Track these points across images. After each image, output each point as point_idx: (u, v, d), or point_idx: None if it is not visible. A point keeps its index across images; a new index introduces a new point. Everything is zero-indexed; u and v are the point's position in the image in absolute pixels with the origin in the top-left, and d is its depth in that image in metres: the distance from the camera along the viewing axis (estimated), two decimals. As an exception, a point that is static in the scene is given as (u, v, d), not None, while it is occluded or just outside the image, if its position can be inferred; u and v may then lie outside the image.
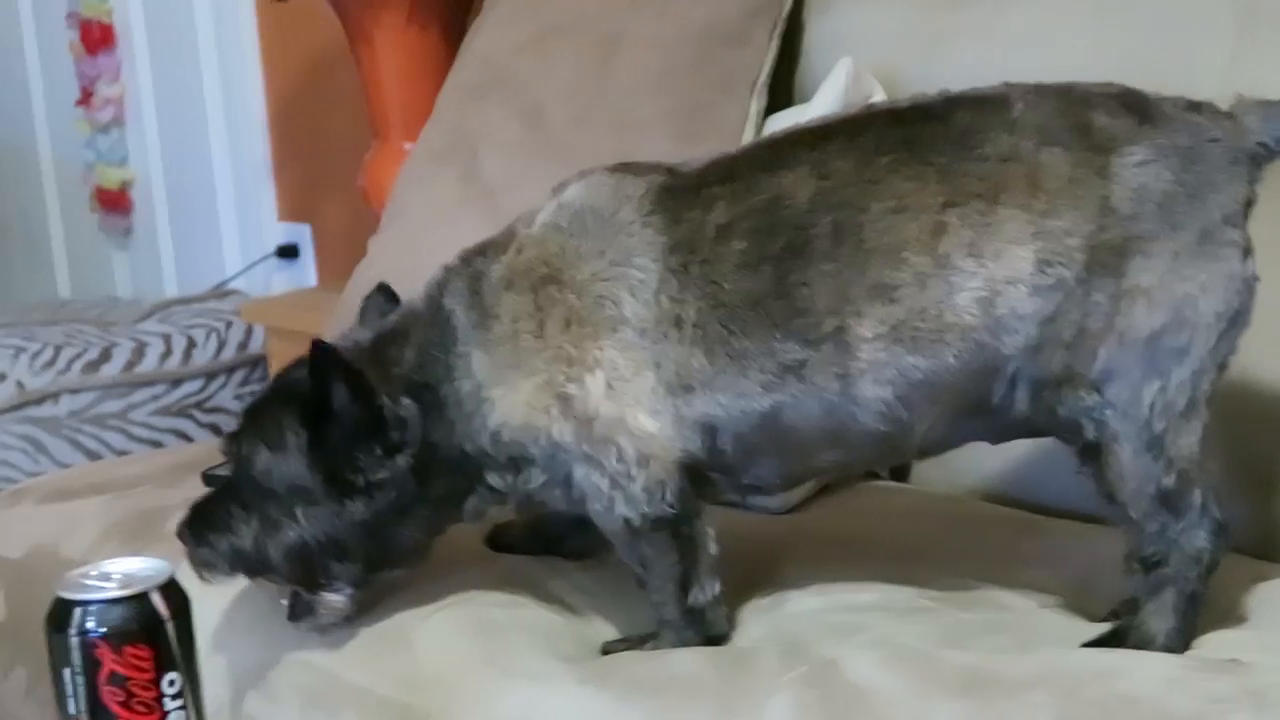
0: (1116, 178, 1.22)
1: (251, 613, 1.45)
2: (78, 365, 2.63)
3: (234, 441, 1.34)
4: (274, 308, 2.74)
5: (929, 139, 1.25)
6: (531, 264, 1.30)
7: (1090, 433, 1.24)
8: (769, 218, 1.25)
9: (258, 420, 1.33)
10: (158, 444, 2.63)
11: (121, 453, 2.58)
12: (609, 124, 1.83)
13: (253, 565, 1.33)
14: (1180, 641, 1.25)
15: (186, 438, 2.65)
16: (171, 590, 1.10)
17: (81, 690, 1.07)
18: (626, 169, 1.33)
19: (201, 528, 1.34)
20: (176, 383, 2.69)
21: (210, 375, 2.73)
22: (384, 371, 1.31)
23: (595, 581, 1.43)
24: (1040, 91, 1.27)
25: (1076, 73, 1.63)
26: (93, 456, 2.56)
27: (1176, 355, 1.22)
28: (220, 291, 3.01)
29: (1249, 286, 1.24)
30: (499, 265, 1.32)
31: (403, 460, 1.30)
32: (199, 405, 2.70)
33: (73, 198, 3.52)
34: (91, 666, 1.06)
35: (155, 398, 2.66)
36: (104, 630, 1.06)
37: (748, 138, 1.82)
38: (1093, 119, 1.25)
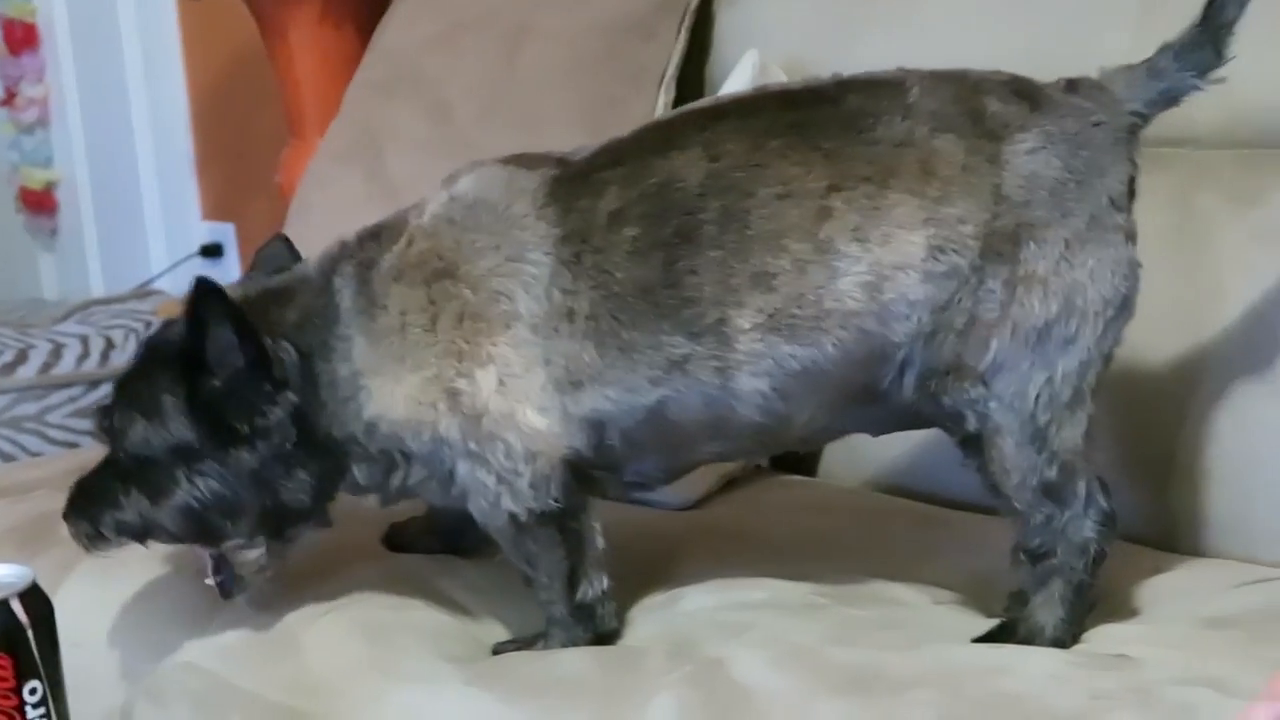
0: (1007, 165, 1.21)
1: (142, 618, 1.44)
2: (-7, 367, 2.60)
3: (106, 415, 1.31)
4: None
5: (819, 122, 1.23)
6: (424, 257, 1.28)
7: (972, 424, 1.23)
8: (660, 202, 1.23)
9: (129, 390, 1.30)
10: (75, 446, 2.59)
11: (38, 455, 2.55)
12: (516, 119, 1.82)
13: (140, 532, 1.31)
14: (1068, 632, 1.25)
15: (105, 440, 2.61)
16: (33, 597, 1.08)
17: (-61, 699, 1.05)
18: (519, 161, 1.31)
19: (84, 504, 1.32)
20: (94, 384, 2.65)
21: (129, 377, 2.70)
22: (265, 321, 1.28)
23: (488, 580, 1.42)
24: (936, 77, 1.26)
25: (984, 62, 1.62)
26: (8, 459, 2.53)
27: (1065, 345, 1.21)
28: (141, 292, 2.98)
29: (1134, 271, 1.24)
30: (390, 255, 1.29)
31: (285, 403, 1.26)
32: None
33: (-2, 199, 3.50)
34: (-52, 675, 1.04)
35: (72, 399, 2.63)
36: (-39, 638, 1.04)
37: (655, 132, 1.81)
38: (985, 105, 1.24)
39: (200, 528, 1.30)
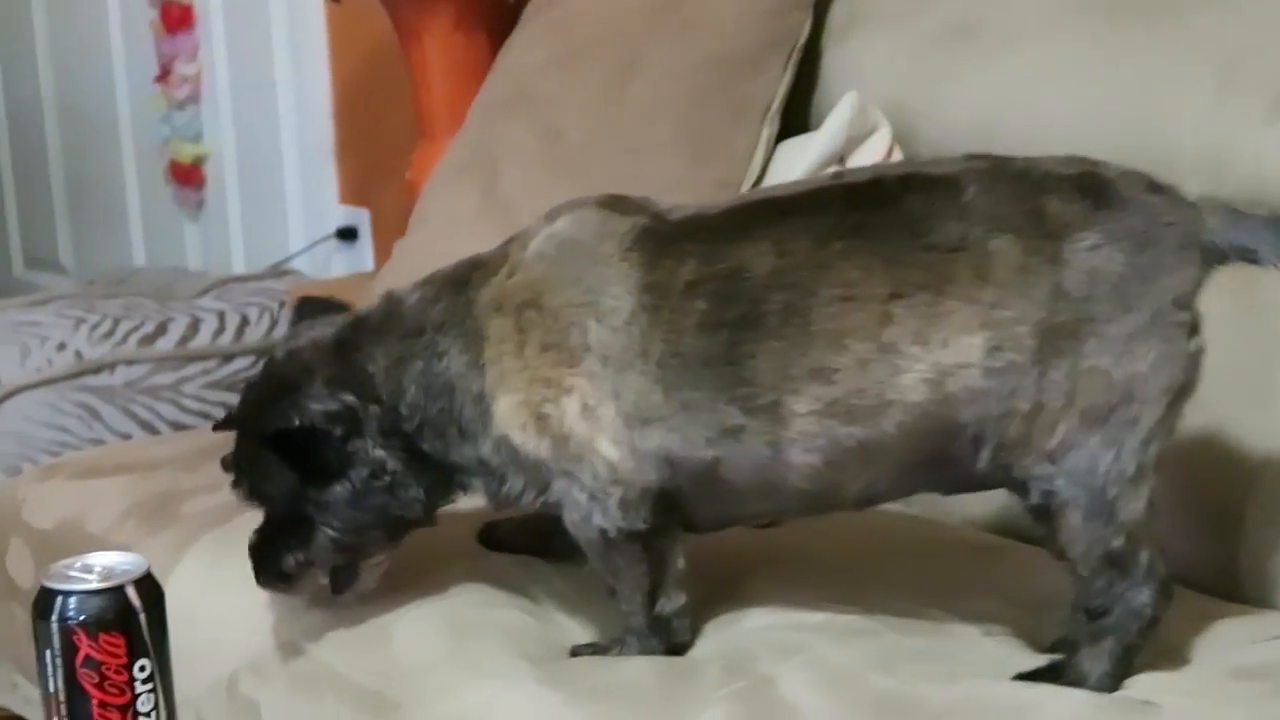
0: (1068, 263, 1.26)
1: (249, 598, 1.54)
2: (134, 338, 2.74)
3: (238, 485, 1.45)
4: (321, 289, 2.82)
5: (880, 225, 1.29)
6: (517, 288, 1.38)
7: (1035, 497, 1.29)
8: (730, 285, 1.30)
9: (240, 456, 1.45)
10: (209, 417, 2.72)
11: (174, 423, 2.69)
12: (623, 145, 1.90)
13: (308, 570, 1.45)
14: (1111, 685, 1.30)
15: (235, 413, 2.74)
16: (146, 584, 1.19)
17: (60, 671, 1.16)
18: (615, 205, 1.40)
19: (263, 569, 1.46)
20: (228, 358, 2.79)
21: (261, 353, 2.82)
22: (348, 368, 1.40)
23: (570, 586, 1.51)
24: (995, 174, 1.30)
25: (1074, 109, 1.70)
26: (145, 426, 2.67)
27: (1128, 426, 1.26)
28: (277, 271, 3.11)
29: (1194, 361, 1.28)
30: (489, 289, 1.39)
31: (361, 444, 1.39)
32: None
33: (149, 170, 3.64)
34: (69, 650, 1.16)
35: (207, 372, 2.76)
36: (81, 618, 1.16)
37: (757, 163, 1.89)
38: (1045, 205, 1.27)
39: (348, 549, 1.44)
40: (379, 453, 1.39)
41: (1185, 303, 1.28)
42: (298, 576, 1.45)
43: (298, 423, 1.38)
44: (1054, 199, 1.28)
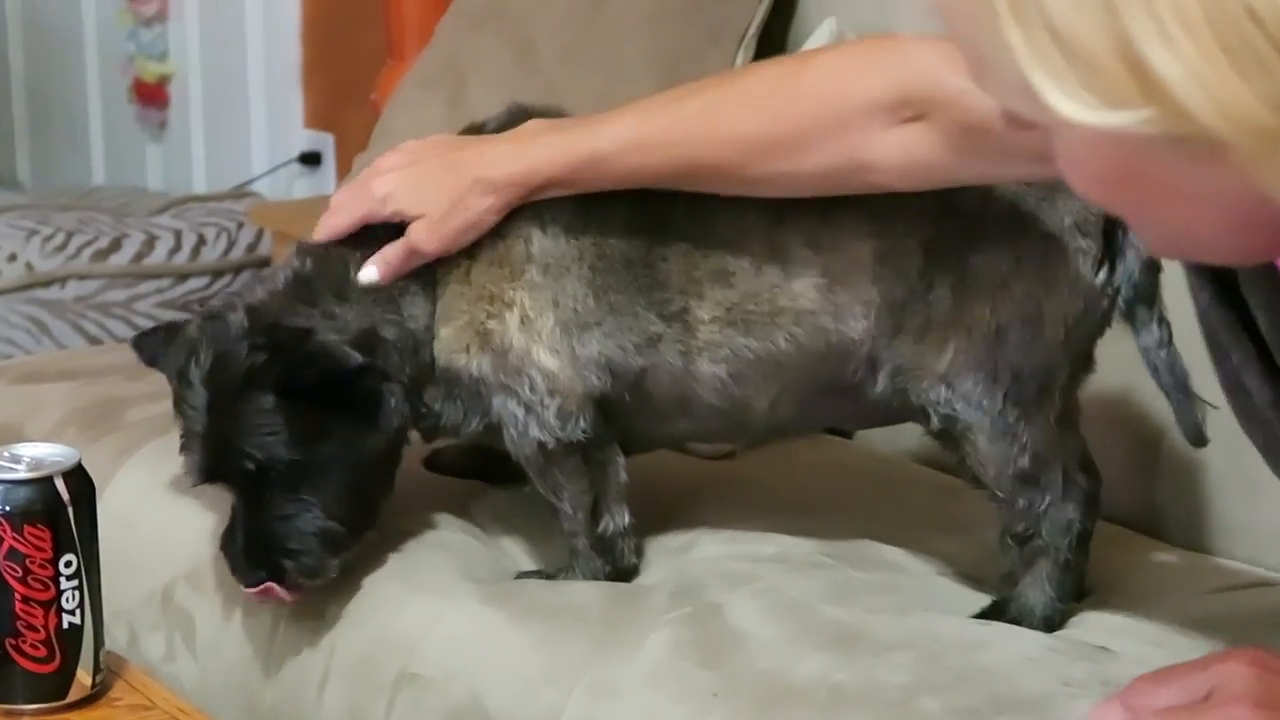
0: None
1: (189, 506, 1.50)
2: (87, 252, 2.69)
3: (207, 472, 1.33)
4: (281, 212, 2.79)
5: None
6: None
7: (935, 423, 1.28)
8: (643, 191, 1.28)
9: (220, 426, 1.31)
10: (159, 336, 2.68)
11: (124, 341, 2.65)
12: (597, 63, 1.86)
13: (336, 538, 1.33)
14: (1058, 611, 1.28)
15: (187, 333, 2.70)
16: (76, 477, 1.15)
17: (-18, 563, 1.13)
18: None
19: (268, 550, 1.31)
20: (182, 278, 2.75)
21: (216, 274, 2.79)
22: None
23: (517, 513, 1.47)
24: None
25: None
26: (95, 343, 2.63)
27: (1024, 349, 1.25)
28: (237, 192, 3.06)
29: (1097, 294, 1.26)
30: None
31: (392, 390, 1.31)
32: (202, 302, 2.76)
33: (113, 88, 3.58)
34: (-8, 542, 1.12)
35: (160, 290, 2.72)
36: (6, 509, 1.12)
37: (731, 88, 1.84)
38: None
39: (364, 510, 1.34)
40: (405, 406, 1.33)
41: (1086, 229, 1.25)
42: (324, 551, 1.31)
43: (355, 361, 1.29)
44: None
